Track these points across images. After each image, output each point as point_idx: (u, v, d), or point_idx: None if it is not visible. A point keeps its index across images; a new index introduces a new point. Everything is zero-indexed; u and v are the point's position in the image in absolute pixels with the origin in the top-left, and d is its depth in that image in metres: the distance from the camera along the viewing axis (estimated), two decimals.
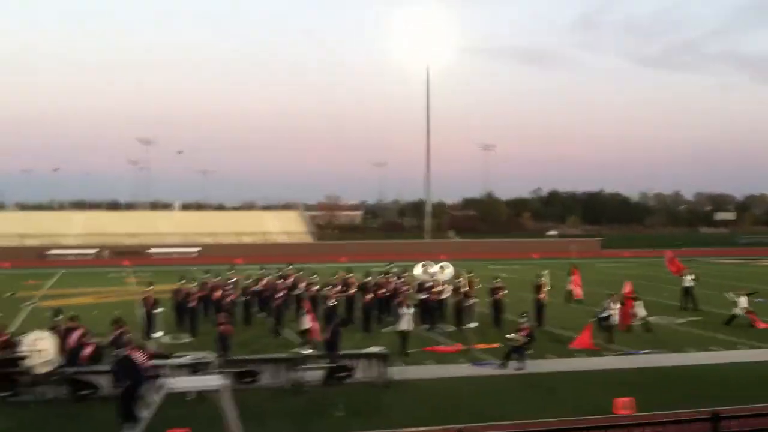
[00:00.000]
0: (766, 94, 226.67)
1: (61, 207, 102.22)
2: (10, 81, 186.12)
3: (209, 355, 18.05)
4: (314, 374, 18.71)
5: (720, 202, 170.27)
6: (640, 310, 27.35)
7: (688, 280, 33.37)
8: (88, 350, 18.66)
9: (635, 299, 27.62)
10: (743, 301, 28.52)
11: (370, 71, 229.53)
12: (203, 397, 15.39)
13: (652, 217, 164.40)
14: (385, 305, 29.32)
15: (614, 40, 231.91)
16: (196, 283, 28.99)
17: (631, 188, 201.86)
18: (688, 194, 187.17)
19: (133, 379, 14.59)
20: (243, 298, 29.11)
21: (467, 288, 28.23)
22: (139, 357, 14.97)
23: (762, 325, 27.48)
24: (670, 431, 8.88)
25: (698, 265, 53.77)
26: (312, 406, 16.92)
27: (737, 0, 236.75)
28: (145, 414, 13.54)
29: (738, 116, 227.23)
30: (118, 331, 19.32)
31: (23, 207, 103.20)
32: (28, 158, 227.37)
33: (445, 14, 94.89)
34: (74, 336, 18.98)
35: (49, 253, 72.79)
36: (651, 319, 27.99)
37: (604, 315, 25.39)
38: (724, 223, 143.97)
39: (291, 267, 32.48)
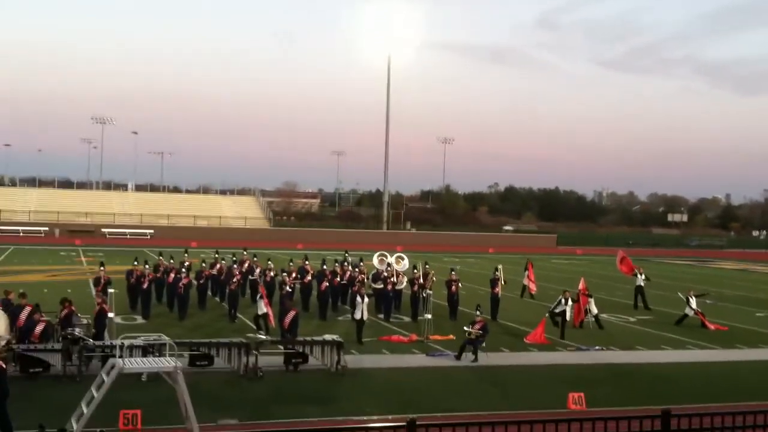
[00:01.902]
0: (724, 99, 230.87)
1: (11, 183, 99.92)
2: None
3: (163, 337, 17.81)
4: (270, 360, 18.61)
5: (673, 204, 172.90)
6: (592, 308, 27.67)
7: (641, 280, 33.79)
8: (39, 328, 18.35)
9: (589, 296, 27.91)
10: (693, 302, 28.96)
11: (334, 62, 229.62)
12: (158, 379, 15.21)
13: (606, 216, 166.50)
14: (341, 293, 29.32)
15: (575, 41, 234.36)
16: (149, 265, 28.65)
17: (586, 187, 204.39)
18: (642, 195, 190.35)
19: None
20: (196, 282, 28.76)
21: (423, 279, 28.29)
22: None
23: (712, 326, 27.96)
24: (622, 427, 8.94)
25: (650, 265, 54.64)
26: (267, 391, 16.82)
27: (699, 6, 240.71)
28: (97, 395, 13.30)
29: (695, 121, 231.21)
30: (67, 311, 19.13)
31: None
32: None
33: (409, 9, 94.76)
34: (25, 313, 18.73)
35: None
36: (603, 316, 28.35)
37: (557, 310, 25.63)
38: (676, 224, 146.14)
39: (246, 252, 32.28)
